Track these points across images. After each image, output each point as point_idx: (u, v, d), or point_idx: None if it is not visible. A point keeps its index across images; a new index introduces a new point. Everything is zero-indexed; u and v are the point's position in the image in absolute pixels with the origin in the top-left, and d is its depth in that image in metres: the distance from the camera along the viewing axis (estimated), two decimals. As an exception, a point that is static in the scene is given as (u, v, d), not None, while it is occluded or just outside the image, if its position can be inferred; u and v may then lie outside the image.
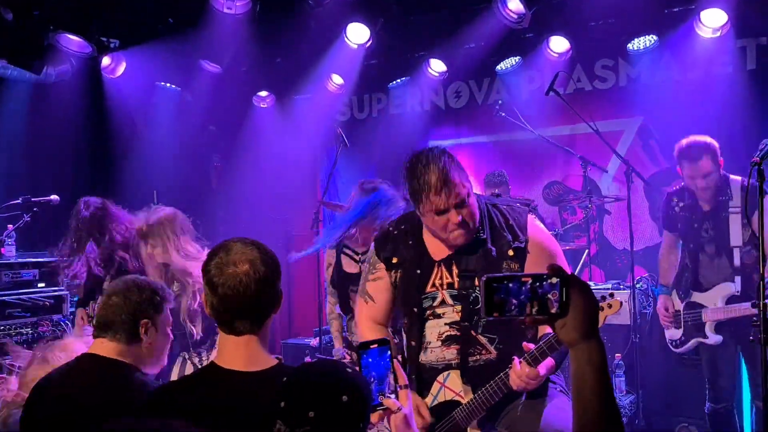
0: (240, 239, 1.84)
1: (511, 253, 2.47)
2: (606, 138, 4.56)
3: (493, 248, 2.48)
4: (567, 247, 5.28)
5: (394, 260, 2.62)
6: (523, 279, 1.28)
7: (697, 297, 3.88)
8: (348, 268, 3.80)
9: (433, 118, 6.38)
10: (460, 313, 2.53)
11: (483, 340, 2.52)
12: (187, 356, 3.52)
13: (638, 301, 4.48)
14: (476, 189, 2.70)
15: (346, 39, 5.28)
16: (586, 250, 5.18)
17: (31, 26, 4.85)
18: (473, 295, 2.49)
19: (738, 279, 3.71)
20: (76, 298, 4.27)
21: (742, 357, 3.85)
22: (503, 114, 5.14)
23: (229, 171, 6.97)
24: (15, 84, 5.61)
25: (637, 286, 4.58)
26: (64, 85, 5.56)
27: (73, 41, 5.01)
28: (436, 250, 2.58)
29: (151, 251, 3.43)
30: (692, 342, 3.90)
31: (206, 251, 3.42)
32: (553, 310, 1.27)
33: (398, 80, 6.11)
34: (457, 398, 2.52)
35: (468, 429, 2.51)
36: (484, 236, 2.50)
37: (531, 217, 2.58)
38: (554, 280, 1.27)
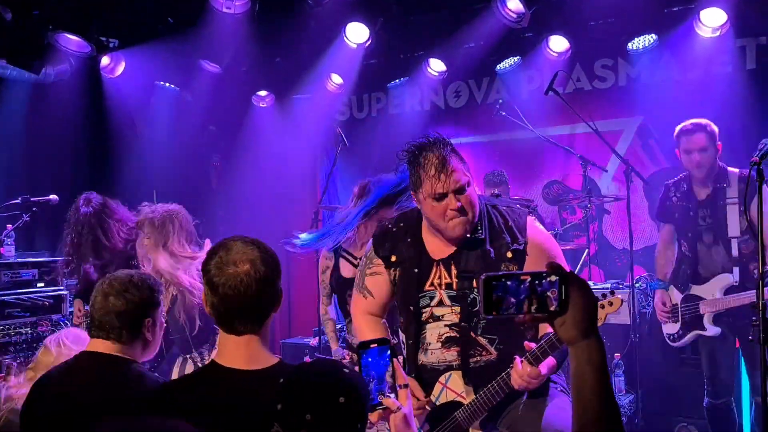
0: (240, 238, 1.83)
1: (509, 255, 2.47)
2: (605, 137, 4.57)
3: (492, 249, 2.47)
4: (566, 247, 5.28)
5: (393, 258, 2.62)
6: (522, 277, 1.27)
7: (695, 290, 3.88)
8: (346, 273, 3.77)
9: (433, 117, 6.38)
10: (458, 315, 2.52)
11: (483, 341, 2.51)
12: (188, 356, 3.52)
13: (637, 301, 4.48)
14: (476, 189, 2.69)
15: (345, 39, 5.28)
16: (586, 250, 5.18)
17: (30, 26, 4.85)
18: (471, 296, 2.48)
19: (736, 270, 3.72)
20: (74, 282, 4.24)
21: (741, 352, 3.86)
22: (503, 113, 5.14)
23: (229, 171, 6.97)
24: (14, 84, 5.60)
25: (637, 285, 4.58)
26: (64, 84, 5.55)
27: (72, 41, 5.00)
28: (435, 249, 2.57)
29: (146, 243, 3.43)
30: (690, 335, 3.90)
31: (199, 253, 3.42)
32: (552, 308, 1.27)
33: (398, 80, 6.11)
34: (458, 399, 2.52)
35: (470, 429, 2.51)
36: (483, 236, 2.49)
37: (531, 219, 2.57)
38: (553, 278, 1.27)
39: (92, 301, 2.23)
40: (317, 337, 5.00)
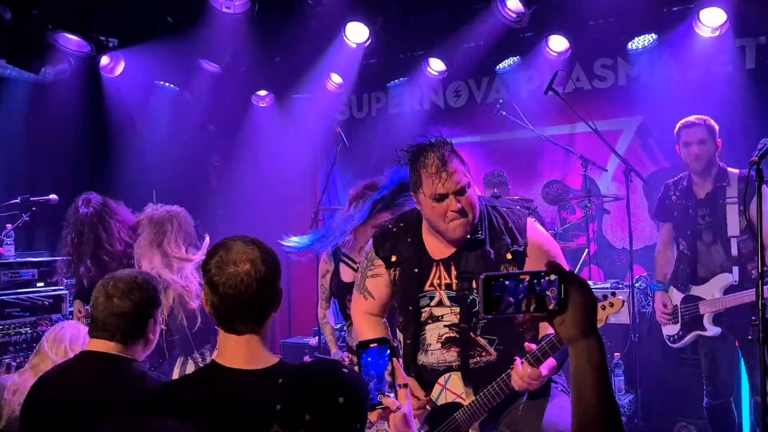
0: (240, 237, 1.83)
1: (509, 256, 2.47)
2: (605, 137, 4.56)
3: (491, 250, 2.47)
4: (566, 247, 5.28)
5: (393, 258, 2.62)
6: (521, 276, 1.28)
7: (695, 290, 3.88)
8: (346, 277, 3.76)
9: (433, 117, 6.38)
10: (458, 315, 2.52)
11: (482, 341, 2.51)
12: (190, 357, 3.51)
13: (637, 301, 4.48)
14: (476, 190, 2.69)
15: (345, 38, 5.28)
16: (586, 250, 5.18)
17: (29, 25, 4.84)
18: (471, 297, 2.48)
19: (735, 269, 3.72)
20: (74, 281, 4.23)
21: (740, 352, 3.86)
22: (504, 113, 5.14)
23: (229, 170, 6.97)
24: (14, 83, 5.60)
25: (636, 285, 4.59)
26: (63, 84, 5.55)
27: (71, 40, 5.00)
28: (435, 249, 2.57)
29: (142, 242, 3.42)
30: (690, 336, 3.90)
31: (195, 255, 3.40)
32: (551, 307, 1.27)
33: (397, 80, 6.11)
34: (458, 400, 2.51)
35: (470, 431, 2.51)
36: (483, 237, 2.49)
37: (531, 220, 2.58)
38: (552, 277, 1.27)
39: (94, 301, 2.22)
40: (317, 337, 5.00)
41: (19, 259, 4.74)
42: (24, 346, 4.49)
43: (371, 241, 2.73)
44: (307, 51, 5.68)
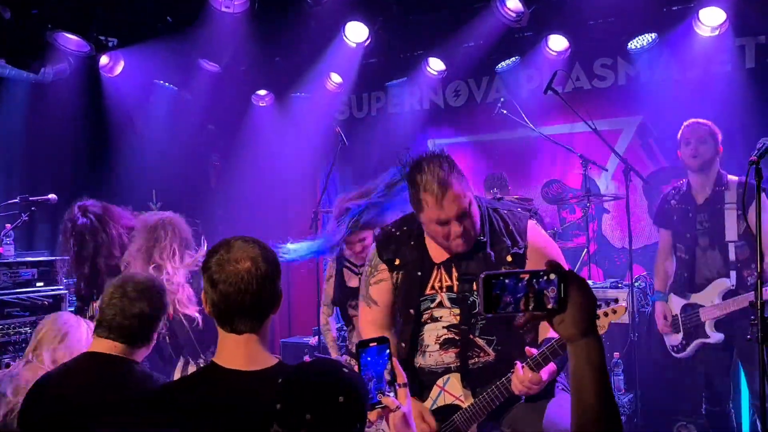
0: (240, 237, 1.83)
1: (509, 258, 2.48)
2: (605, 137, 4.56)
3: (492, 253, 2.49)
4: (566, 246, 5.28)
5: (397, 262, 2.62)
6: (521, 275, 1.28)
7: (694, 297, 3.88)
8: (349, 282, 3.77)
9: (432, 116, 6.38)
10: (458, 317, 2.53)
11: (481, 342, 2.52)
12: (191, 360, 3.50)
13: (637, 300, 4.48)
14: (475, 190, 2.70)
15: (345, 38, 5.28)
16: (585, 249, 5.18)
17: (29, 25, 4.84)
18: (471, 299, 2.49)
19: (733, 274, 3.72)
20: (72, 281, 4.22)
21: (739, 358, 3.85)
22: (504, 111, 5.14)
23: (228, 170, 6.97)
24: (13, 83, 5.60)
25: (636, 284, 4.59)
26: (62, 84, 5.54)
27: (71, 40, 4.99)
28: (437, 252, 2.58)
29: (133, 249, 3.38)
30: (694, 344, 3.88)
31: (186, 261, 3.37)
32: (550, 306, 1.28)
33: (397, 79, 6.10)
34: (457, 402, 2.51)
35: (467, 433, 2.51)
36: (484, 239, 2.50)
37: (532, 223, 2.58)
38: (552, 276, 1.28)
39: (107, 301, 2.21)
40: (317, 337, 5.00)
41: (18, 259, 4.74)
42: (24, 346, 4.48)
43: (374, 245, 2.73)
44: (306, 50, 5.68)
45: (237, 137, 6.61)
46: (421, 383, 2.60)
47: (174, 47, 5.42)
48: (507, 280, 1.27)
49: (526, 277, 1.28)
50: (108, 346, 2.18)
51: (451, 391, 2.53)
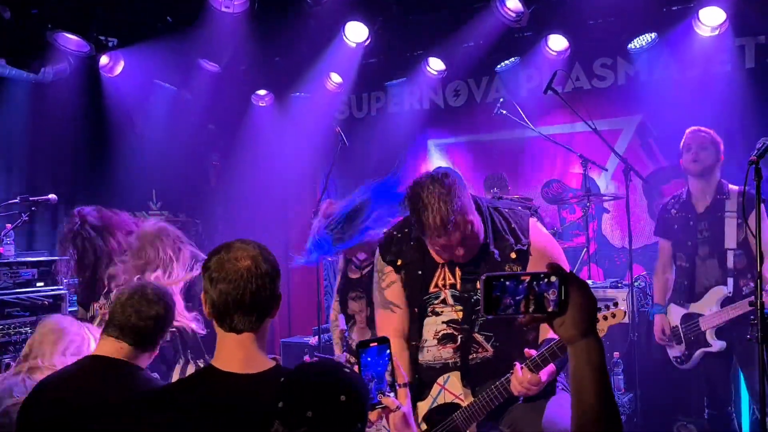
0: (240, 240, 1.84)
1: (513, 255, 2.50)
2: (605, 136, 4.56)
3: (496, 251, 2.50)
4: (566, 246, 5.28)
5: (399, 262, 2.65)
6: (521, 277, 1.28)
7: (693, 307, 3.89)
8: (352, 274, 3.80)
9: (432, 116, 6.38)
10: (461, 313, 2.55)
11: (479, 338, 2.53)
12: (192, 362, 3.49)
13: (636, 300, 4.48)
14: (474, 190, 2.71)
15: (344, 38, 5.28)
16: (585, 249, 5.18)
17: (29, 25, 4.84)
18: (474, 297, 2.50)
19: (730, 281, 3.73)
20: (72, 281, 4.20)
21: (738, 362, 3.85)
22: (504, 111, 5.14)
23: (228, 170, 6.97)
24: (13, 83, 5.60)
25: (636, 284, 4.59)
26: (62, 84, 5.54)
27: (71, 40, 4.99)
28: None
29: (129, 260, 3.32)
30: (697, 354, 3.89)
31: (177, 277, 3.34)
32: (550, 309, 1.28)
33: (397, 79, 6.10)
34: (457, 401, 2.52)
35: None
36: (487, 240, 2.51)
37: (533, 221, 2.61)
38: (553, 278, 1.28)
39: (122, 302, 2.21)
40: (317, 336, 5.00)
41: (18, 259, 4.74)
42: (24, 345, 4.48)
43: (377, 250, 2.76)
44: (306, 50, 5.68)
45: (237, 137, 6.61)
46: (421, 381, 2.60)
47: (174, 47, 5.42)
48: (507, 282, 1.27)
49: (527, 279, 1.28)
50: (114, 348, 2.17)
51: (451, 389, 2.54)
